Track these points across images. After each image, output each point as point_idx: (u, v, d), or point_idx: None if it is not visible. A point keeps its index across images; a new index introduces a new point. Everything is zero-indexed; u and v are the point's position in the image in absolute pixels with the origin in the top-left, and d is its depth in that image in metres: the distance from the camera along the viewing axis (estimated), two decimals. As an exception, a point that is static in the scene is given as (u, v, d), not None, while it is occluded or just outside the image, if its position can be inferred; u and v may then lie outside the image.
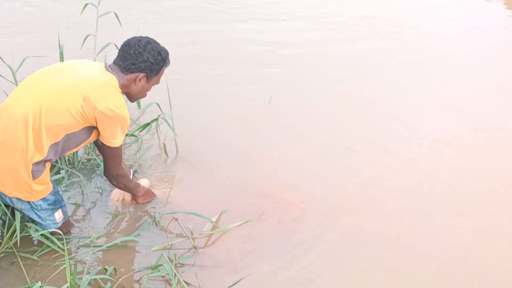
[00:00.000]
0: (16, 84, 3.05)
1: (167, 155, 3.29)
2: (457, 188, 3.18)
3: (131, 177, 2.68)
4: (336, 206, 2.99)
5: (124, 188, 2.67)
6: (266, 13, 5.66)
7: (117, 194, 2.84)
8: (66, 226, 2.55)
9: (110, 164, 2.46)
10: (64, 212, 2.47)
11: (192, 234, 2.66)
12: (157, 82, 2.48)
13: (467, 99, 4.17)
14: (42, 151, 2.21)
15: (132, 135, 3.26)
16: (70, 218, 2.67)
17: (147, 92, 2.48)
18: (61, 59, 3.14)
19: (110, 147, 2.35)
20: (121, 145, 2.38)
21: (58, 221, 2.43)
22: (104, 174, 2.53)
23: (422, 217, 2.94)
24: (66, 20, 4.97)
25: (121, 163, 2.51)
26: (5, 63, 3.11)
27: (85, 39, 3.36)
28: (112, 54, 3.35)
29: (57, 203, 2.40)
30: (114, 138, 2.31)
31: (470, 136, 3.68)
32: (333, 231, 2.81)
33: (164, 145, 3.30)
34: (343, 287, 2.52)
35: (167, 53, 2.42)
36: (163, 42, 2.49)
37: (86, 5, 3.39)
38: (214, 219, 2.74)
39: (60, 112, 2.18)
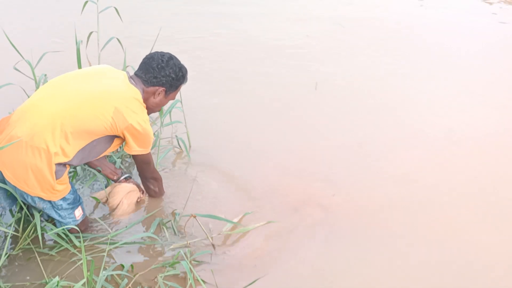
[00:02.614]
0: (35, 80, 3.06)
1: (181, 149, 3.27)
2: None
3: (121, 178, 2.76)
4: (370, 201, 2.93)
5: (158, 193, 2.81)
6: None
7: (116, 198, 2.70)
8: (84, 224, 2.54)
9: (147, 171, 2.64)
10: (83, 209, 2.49)
11: (211, 232, 2.62)
12: (173, 98, 2.56)
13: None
14: (67, 154, 2.24)
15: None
16: (88, 216, 2.65)
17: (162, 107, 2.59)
18: (78, 55, 3.20)
19: (141, 155, 2.48)
20: (150, 152, 2.52)
21: (78, 218, 2.44)
22: (141, 178, 2.72)
23: (460, 216, 2.87)
24: (66, 17, 4.90)
25: (155, 168, 2.69)
26: (23, 58, 3.11)
27: (89, 36, 3.35)
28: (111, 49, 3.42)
29: (75, 201, 2.42)
30: (143, 147, 2.43)
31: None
32: (366, 228, 2.74)
33: (177, 138, 3.26)
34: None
35: (186, 70, 2.51)
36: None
37: (86, 2, 3.39)
38: (236, 220, 2.69)
39: (90, 118, 2.24)
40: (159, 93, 2.43)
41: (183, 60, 2.51)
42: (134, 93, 2.33)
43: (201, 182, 3.04)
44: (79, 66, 3.28)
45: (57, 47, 3.88)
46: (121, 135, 2.35)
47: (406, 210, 2.90)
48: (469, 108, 3.95)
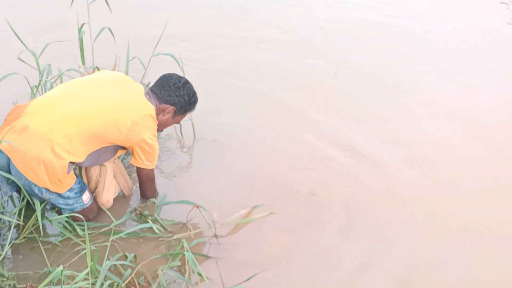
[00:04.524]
0: (39, 70, 3.05)
1: (182, 137, 3.26)
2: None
3: None
4: (387, 193, 2.88)
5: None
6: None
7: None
8: (93, 211, 2.57)
9: (149, 188, 2.70)
10: (90, 193, 2.53)
11: (214, 223, 2.62)
12: (178, 122, 2.67)
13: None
14: (80, 155, 2.33)
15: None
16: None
17: (165, 128, 2.67)
18: (81, 46, 3.22)
19: (147, 170, 2.57)
20: (153, 169, 2.59)
21: (86, 202, 2.49)
22: (142, 196, 2.75)
23: (483, 209, 2.81)
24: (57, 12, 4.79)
25: (156, 188, 2.74)
26: (27, 48, 3.10)
27: (81, 27, 3.32)
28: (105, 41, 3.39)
29: (81, 189, 2.46)
30: (150, 161, 2.52)
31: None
32: (383, 223, 2.69)
33: (180, 125, 3.24)
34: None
35: (198, 99, 2.63)
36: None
37: None
38: (243, 212, 2.69)
39: (107, 126, 2.33)
40: (168, 112, 2.53)
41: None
42: (149, 109, 2.43)
43: (206, 172, 3.03)
44: (82, 57, 3.27)
45: (58, 37, 3.84)
46: (129, 148, 2.46)
47: (426, 202, 2.85)
48: (492, 96, 3.88)
